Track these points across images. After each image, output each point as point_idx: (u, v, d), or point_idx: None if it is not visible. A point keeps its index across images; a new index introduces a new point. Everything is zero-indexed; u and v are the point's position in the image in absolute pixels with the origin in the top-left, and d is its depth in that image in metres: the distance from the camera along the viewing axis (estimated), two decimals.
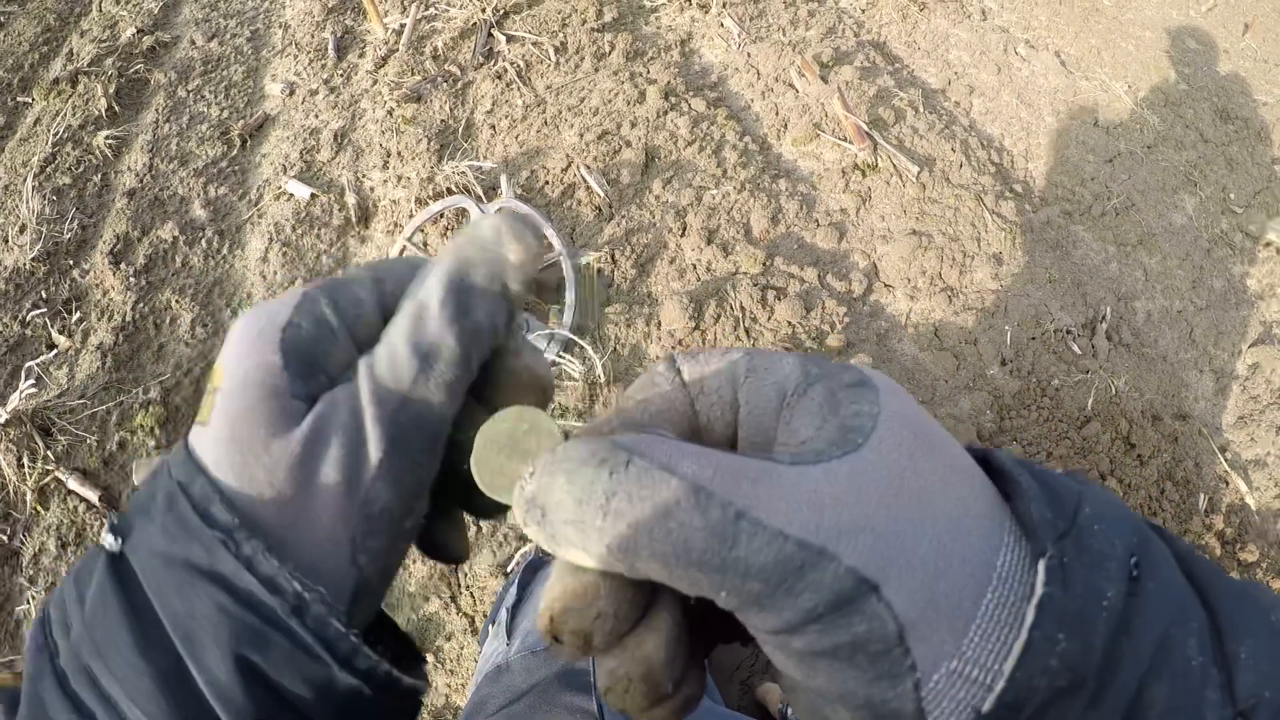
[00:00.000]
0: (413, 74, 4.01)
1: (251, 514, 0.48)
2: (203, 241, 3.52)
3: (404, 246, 2.96)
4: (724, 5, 4.29)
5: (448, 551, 0.62)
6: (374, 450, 0.48)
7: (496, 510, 0.57)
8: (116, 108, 4.13)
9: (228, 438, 0.48)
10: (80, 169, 3.84)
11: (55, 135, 3.98)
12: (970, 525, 0.40)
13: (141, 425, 2.96)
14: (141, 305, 3.29)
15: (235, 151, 3.93)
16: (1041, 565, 0.38)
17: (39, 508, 2.80)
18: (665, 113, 3.64)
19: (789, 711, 1.86)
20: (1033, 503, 0.41)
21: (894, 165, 3.47)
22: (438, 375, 0.49)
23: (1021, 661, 0.37)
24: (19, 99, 4.31)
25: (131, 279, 3.35)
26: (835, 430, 0.42)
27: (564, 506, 0.40)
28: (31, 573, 2.69)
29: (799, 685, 0.42)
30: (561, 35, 4.10)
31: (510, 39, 4.11)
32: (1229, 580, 0.43)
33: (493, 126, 3.74)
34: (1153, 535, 0.43)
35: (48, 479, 2.83)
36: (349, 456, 0.48)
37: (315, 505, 0.48)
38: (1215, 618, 0.40)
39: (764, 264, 3.12)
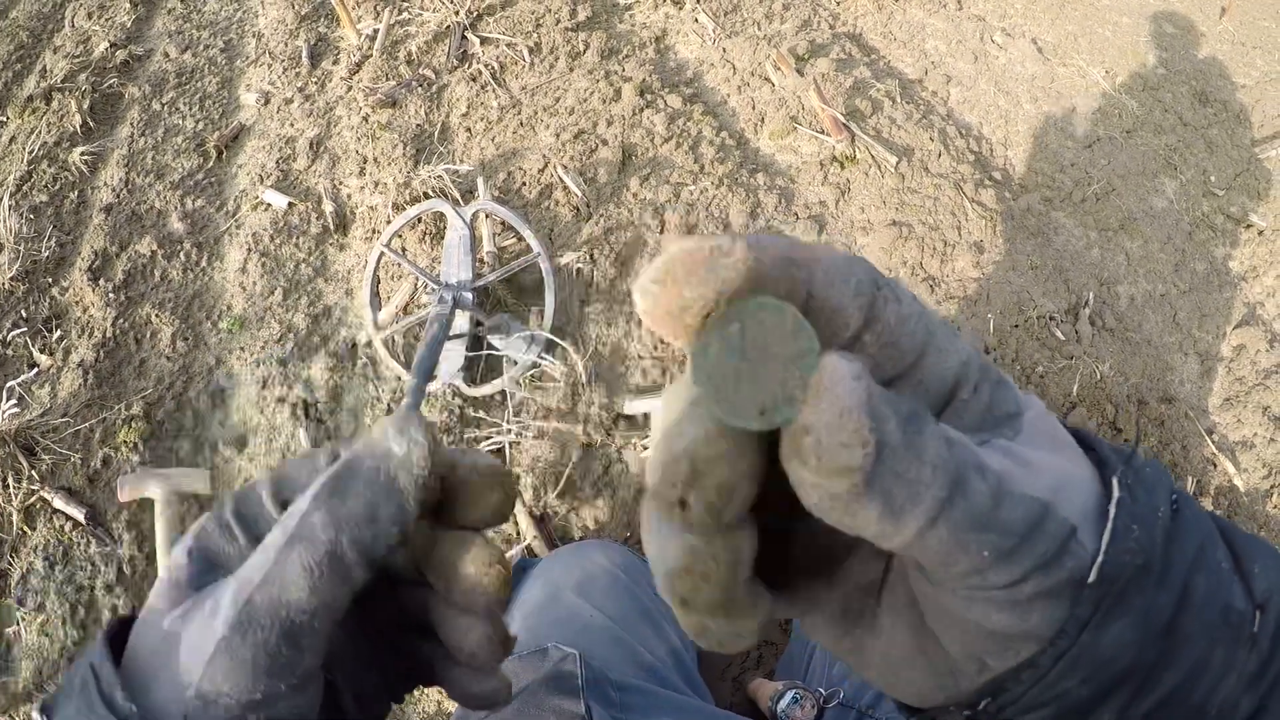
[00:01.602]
0: (387, 79, 3.99)
1: (148, 693, 0.52)
2: (181, 254, 3.51)
3: (381, 253, 2.95)
4: (698, 0, 4.28)
5: (478, 699, 0.63)
6: (220, 627, 0.50)
7: (483, 705, 0.62)
8: (91, 123, 4.11)
9: (142, 617, 0.56)
10: (57, 186, 3.82)
11: (31, 153, 3.96)
12: (1093, 486, 0.47)
13: (125, 441, 2.94)
14: (121, 321, 3.27)
15: (211, 163, 3.91)
16: (1115, 480, 0.46)
17: (25, 527, 2.78)
18: (641, 110, 3.63)
19: (779, 708, 1.85)
20: (1102, 446, 0.50)
21: (872, 156, 3.47)
22: (295, 560, 0.50)
23: (1111, 541, 0.43)
24: None
25: (111, 295, 3.33)
26: (1000, 418, 0.49)
27: (899, 456, 0.38)
28: (20, 593, 2.67)
29: (994, 632, 0.45)
30: (535, 35, 4.09)
31: (484, 41, 4.10)
32: (1235, 526, 0.52)
33: (469, 129, 3.73)
34: (1182, 489, 0.51)
35: (33, 499, 2.81)
36: (197, 640, 0.51)
37: (178, 680, 0.52)
38: (1231, 545, 0.50)
39: None
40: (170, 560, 0.57)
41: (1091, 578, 0.43)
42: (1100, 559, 0.43)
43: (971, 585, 0.43)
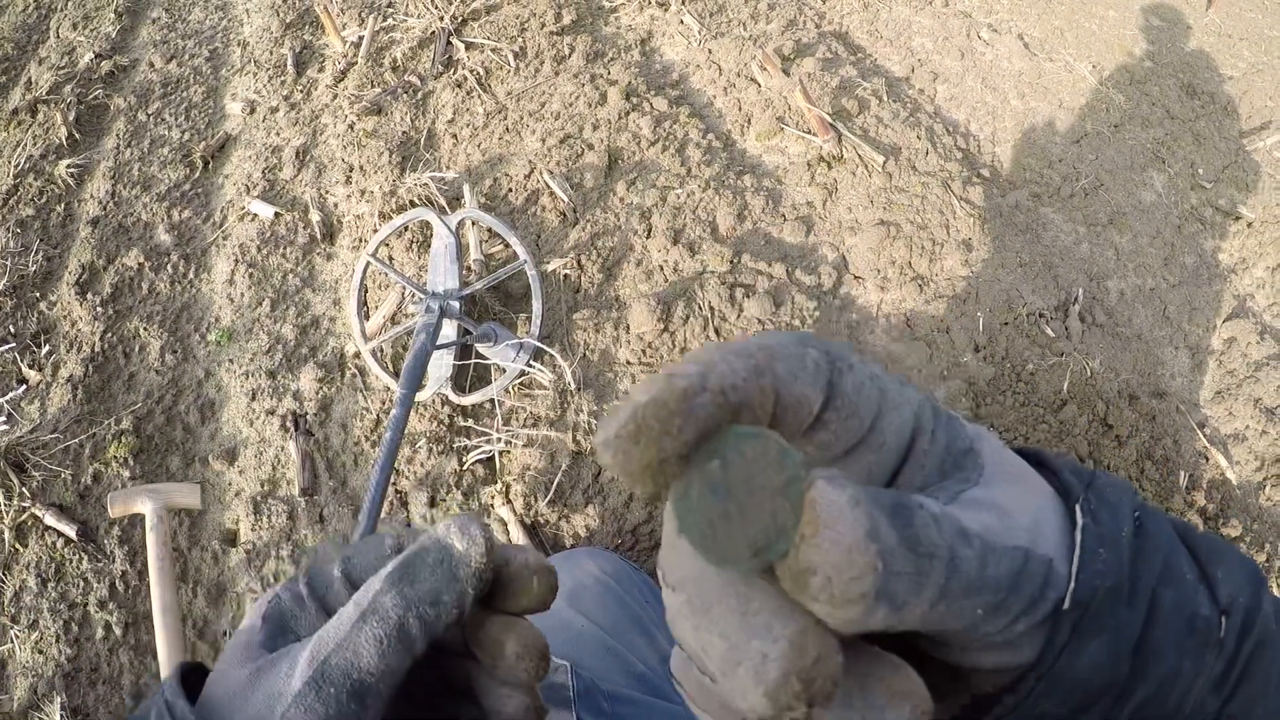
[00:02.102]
0: (372, 86, 3.99)
1: None
2: (169, 267, 3.50)
3: (368, 262, 2.94)
4: (683, 2, 4.27)
5: None
6: (296, 682, 0.57)
7: None
8: (77, 135, 4.11)
9: (217, 669, 0.63)
10: (43, 200, 3.81)
11: (16, 167, 3.95)
12: (1049, 496, 0.51)
13: (115, 457, 2.94)
14: (110, 335, 3.27)
15: (198, 174, 3.90)
16: (1078, 507, 0.49)
17: (17, 545, 2.78)
18: (627, 113, 3.62)
19: None
20: (1063, 470, 0.53)
21: (859, 156, 3.46)
22: (368, 631, 0.57)
23: (1080, 567, 0.46)
24: None
25: (99, 309, 3.32)
26: (955, 467, 0.50)
27: (871, 569, 0.38)
28: (13, 611, 2.67)
29: (989, 665, 0.48)
30: (520, 40, 4.08)
31: (469, 46, 4.09)
32: (1198, 531, 0.56)
33: (454, 135, 3.72)
34: (1142, 500, 0.54)
35: (24, 516, 2.80)
36: (273, 690, 0.58)
37: None
38: (1194, 553, 0.53)
39: (731, 262, 3.10)
40: (245, 623, 0.65)
41: (1066, 603, 0.45)
42: (1071, 585, 0.45)
43: (965, 638, 0.45)
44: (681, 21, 4.20)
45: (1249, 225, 3.56)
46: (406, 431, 2.79)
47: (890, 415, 0.47)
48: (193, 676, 0.65)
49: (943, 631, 0.43)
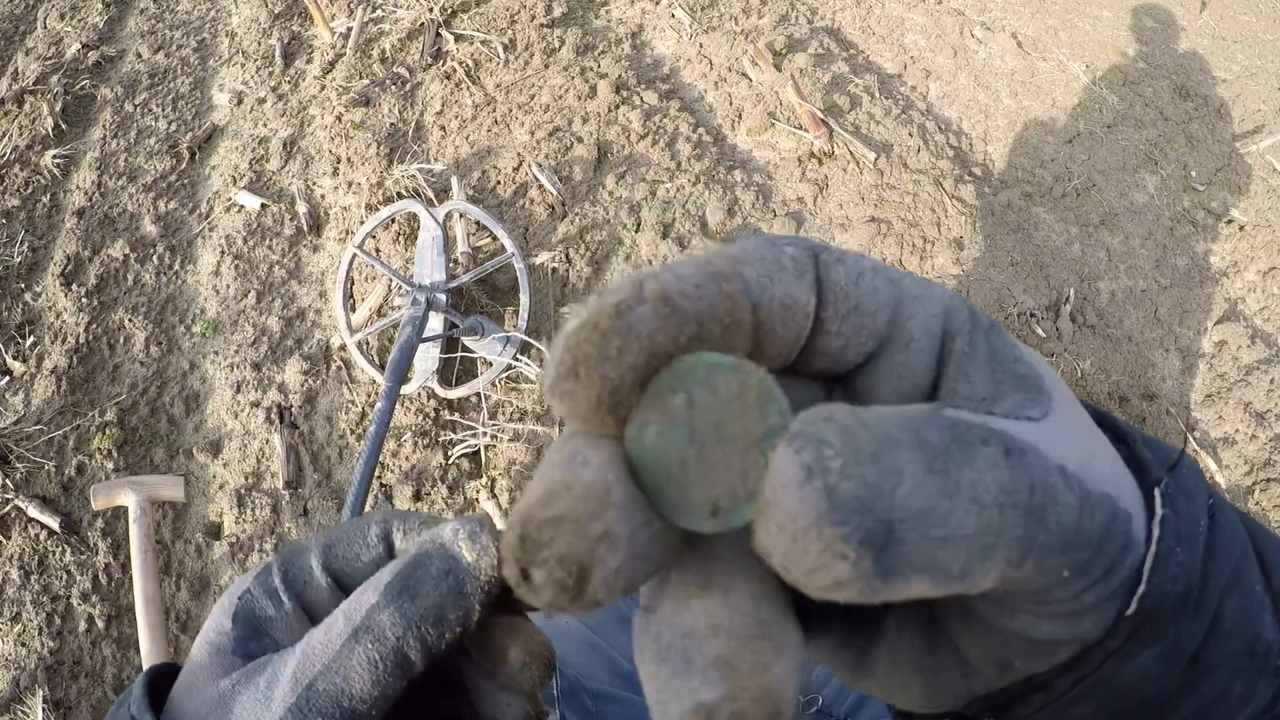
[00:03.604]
0: (361, 77, 3.97)
1: None
2: (154, 258, 3.48)
3: (354, 255, 2.92)
4: None
5: None
6: (278, 708, 0.50)
7: None
8: (63, 126, 4.08)
9: (183, 680, 0.55)
10: (29, 190, 3.79)
11: (2, 157, 3.92)
12: (1125, 471, 0.41)
13: (99, 448, 2.92)
14: (94, 326, 3.24)
15: (184, 165, 3.88)
16: (1158, 492, 0.40)
17: (0, 537, 2.76)
18: (617, 107, 3.60)
19: None
20: (1136, 441, 0.43)
21: (850, 152, 3.45)
22: (361, 653, 0.50)
23: (1154, 567, 0.38)
24: None
25: (83, 300, 3.30)
26: (1017, 383, 0.38)
27: (930, 512, 0.30)
28: None
29: (1036, 640, 0.40)
30: (510, 32, 4.06)
31: (459, 38, 4.07)
32: (1267, 530, 0.47)
33: (443, 127, 3.70)
34: (1210, 486, 0.45)
35: (8, 508, 2.78)
36: (251, 714, 0.51)
37: None
38: (1262, 558, 0.44)
39: None
40: (213, 623, 0.57)
41: (1130, 609, 0.38)
42: (1142, 589, 0.38)
43: (1031, 603, 0.38)
44: (673, 15, 4.18)
45: (1241, 228, 3.55)
46: (392, 425, 2.78)
47: (910, 308, 0.39)
48: (163, 683, 0.57)
49: (1013, 594, 0.36)
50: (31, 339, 3.24)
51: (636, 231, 3.19)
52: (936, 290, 0.40)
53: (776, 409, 0.32)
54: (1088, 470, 0.35)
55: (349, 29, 4.22)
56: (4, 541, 2.75)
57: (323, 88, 4.02)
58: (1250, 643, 0.41)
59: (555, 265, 3.11)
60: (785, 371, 0.40)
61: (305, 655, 0.51)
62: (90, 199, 3.71)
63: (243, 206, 3.60)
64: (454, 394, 2.86)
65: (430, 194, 3.35)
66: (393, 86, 3.90)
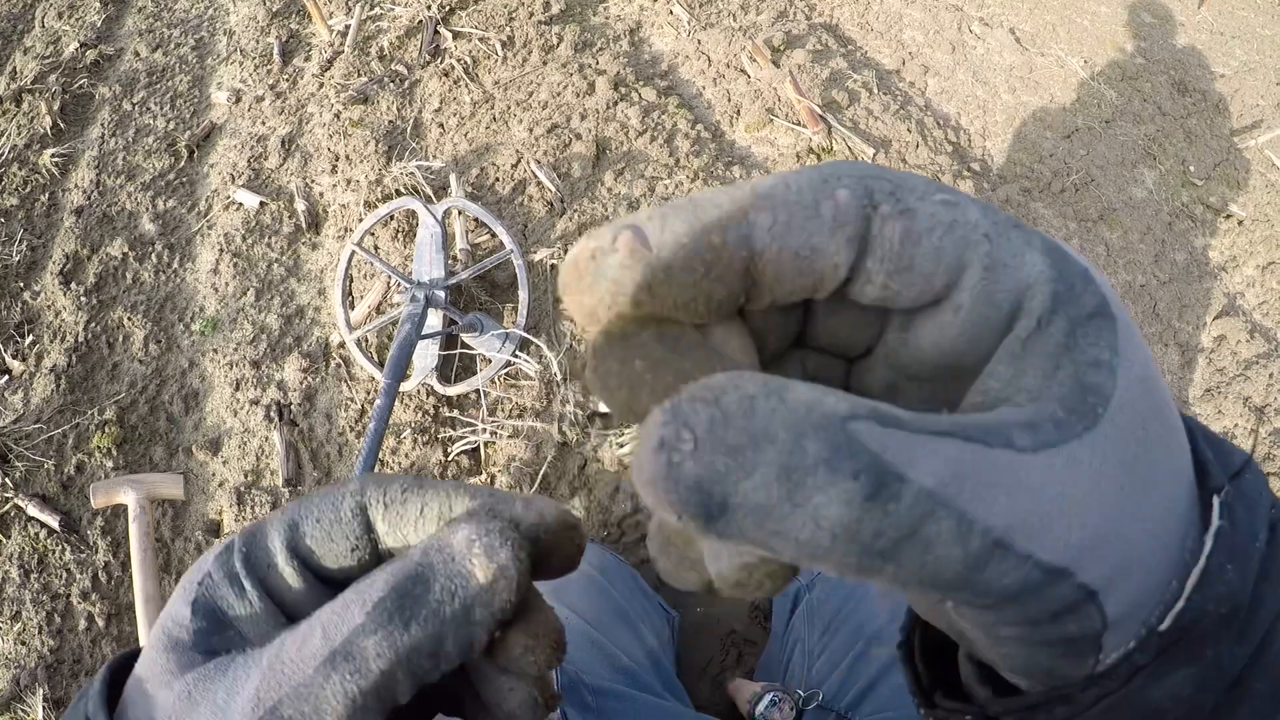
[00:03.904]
0: (359, 75, 3.96)
1: None
2: (153, 256, 3.47)
3: (353, 252, 2.92)
4: None
5: None
6: None
7: None
8: (62, 124, 4.07)
9: (137, 675, 0.49)
10: (27, 189, 3.78)
11: (1, 156, 3.92)
12: (1180, 505, 0.37)
13: (99, 447, 2.92)
14: (94, 325, 3.24)
15: (183, 163, 3.87)
16: (1217, 501, 0.38)
17: (0, 536, 2.76)
18: (615, 103, 3.60)
19: (757, 710, 1.83)
20: (1207, 446, 0.40)
21: (849, 148, 3.45)
22: (338, 683, 0.41)
23: (1199, 585, 0.36)
24: None
25: (82, 298, 3.30)
26: (1071, 388, 0.34)
27: (768, 510, 0.29)
28: None
29: (983, 644, 0.40)
30: (508, 29, 4.06)
31: (457, 35, 4.07)
32: None
33: (441, 125, 3.70)
34: (1275, 495, 0.42)
35: (7, 506, 2.78)
36: None
37: None
38: None
39: None
40: (171, 609, 0.49)
41: (1164, 625, 0.36)
42: (1181, 604, 0.36)
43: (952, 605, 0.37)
44: (671, 12, 4.18)
45: (1240, 223, 3.55)
46: (391, 422, 2.78)
47: (976, 276, 0.35)
48: (125, 677, 0.50)
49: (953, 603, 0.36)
50: (30, 338, 3.24)
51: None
52: (1027, 260, 0.35)
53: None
54: (1045, 530, 0.31)
55: (347, 27, 4.21)
56: (3, 540, 2.75)
57: (321, 85, 4.01)
58: None
59: (554, 262, 3.11)
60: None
61: (272, 671, 0.43)
62: (89, 197, 3.70)
63: (241, 204, 3.60)
64: (453, 391, 2.86)
65: (429, 191, 3.35)
66: (391, 84, 3.90)
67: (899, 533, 0.29)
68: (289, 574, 0.49)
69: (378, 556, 0.51)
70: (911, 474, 0.29)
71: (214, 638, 0.48)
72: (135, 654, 0.52)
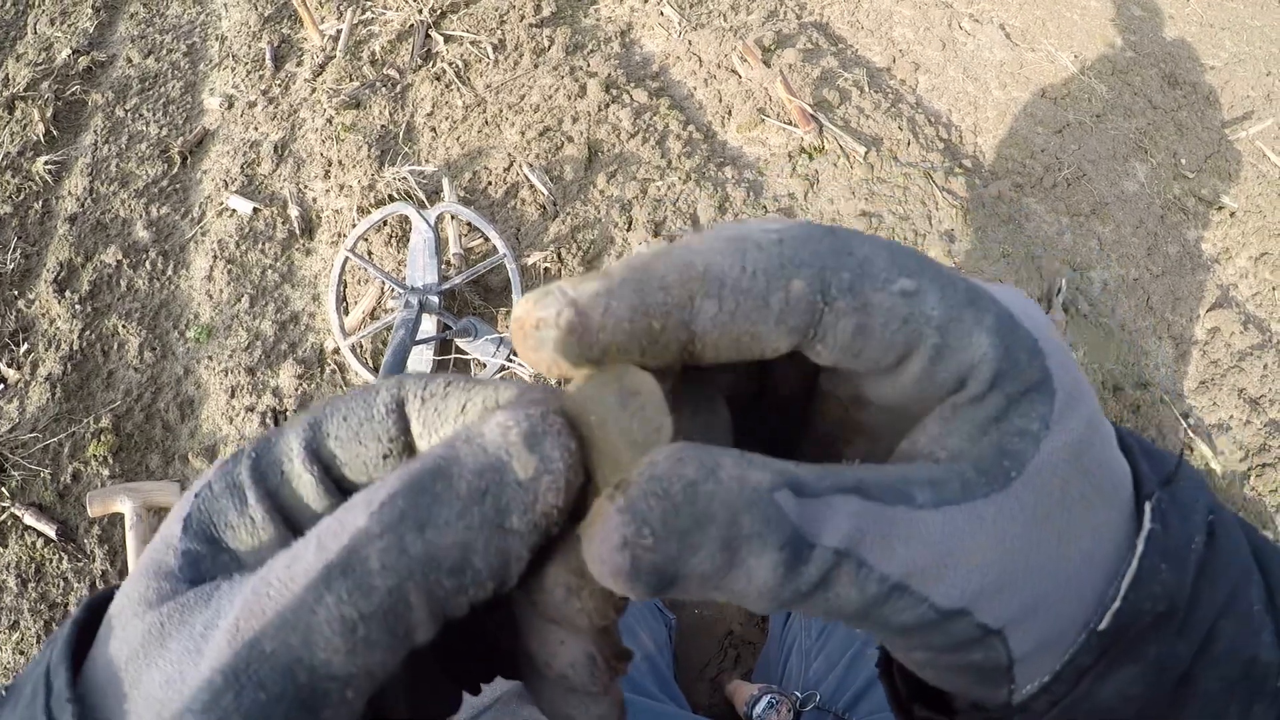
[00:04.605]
0: (351, 80, 3.96)
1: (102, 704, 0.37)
2: (147, 263, 3.48)
3: (346, 258, 2.92)
4: None
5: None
6: (205, 667, 0.34)
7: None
8: (55, 132, 4.07)
9: (111, 610, 0.40)
10: (21, 197, 3.78)
11: None
12: (1101, 553, 0.39)
13: (95, 455, 2.92)
14: (88, 333, 3.24)
15: (176, 169, 3.87)
16: (1148, 506, 0.39)
17: None
18: (607, 105, 3.60)
19: (754, 713, 1.83)
20: (1143, 457, 0.42)
21: (841, 147, 3.45)
22: (332, 605, 0.32)
23: (1133, 584, 0.38)
24: None
25: (77, 306, 3.30)
26: (990, 451, 0.36)
27: (710, 575, 0.32)
28: None
29: (907, 662, 0.43)
30: (500, 33, 4.06)
31: (448, 39, 4.07)
32: (1274, 545, 0.46)
33: (433, 129, 3.70)
34: (1217, 501, 0.44)
35: (4, 516, 2.78)
36: (175, 670, 0.35)
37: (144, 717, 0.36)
38: (1266, 572, 0.43)
39: None
40: (164, 531, 0.41)
41: (1103, 625, 0.38)
42: (1117, 604, 0.38)
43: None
44: (661, 13, 4.18)
45: (1232, 215, 3.56)
46: None
47: (921, 359, 0.36)
48: (97, 622, 0.41)
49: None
50: (25, 346, 3.24)
51: (628, 230, 3.19)
52: (974, 342, 0.36)
53: (654, 428, 0.35)
54: (940, 576, 0.35)
55: (339, 31, 4.21)
56: (1, 550, 2.75)
57: (313, 91, 4.01)
58: (1247, 665, 0.40)
59: (547, 265, 3.11)
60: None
61: (255, 596, 0.34)
62: (82, 205, 3.70)
63: (235, 211, 3.60)
64: None
65: (422, 196, 3.35)
66: (383, 88, 3.90)
67: (810, 586, 0.33)
68: (306, 483, 0.40)
69: None
70: (821, 538, 0.33)
71: (205, 563, 0.40)
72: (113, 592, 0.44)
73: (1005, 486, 0.36)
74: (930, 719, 0.47)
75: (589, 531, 0.32)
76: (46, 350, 3.21)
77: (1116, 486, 0.40)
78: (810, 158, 3.45)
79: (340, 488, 0.41)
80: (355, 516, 0.33)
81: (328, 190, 3.55)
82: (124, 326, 3.26)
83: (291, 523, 0.40)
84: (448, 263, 3.10)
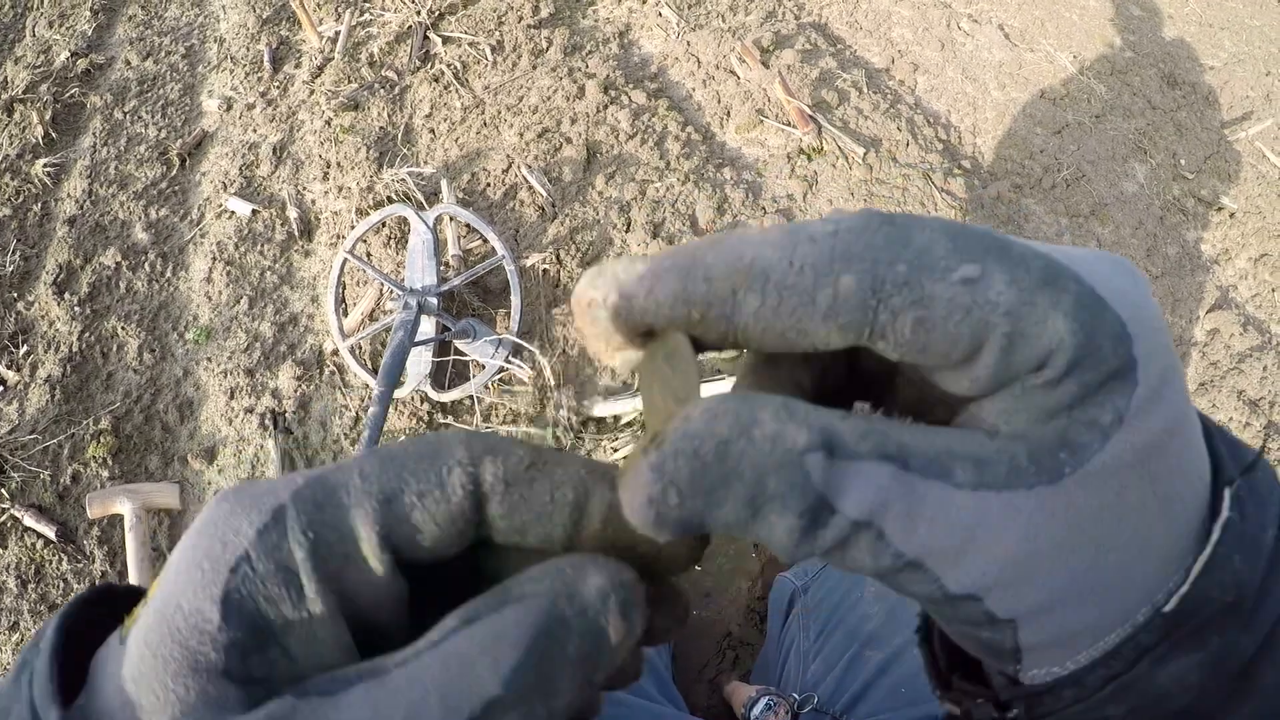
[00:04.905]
0: (349, 81, 3.96)
1: None
2: (146, 265, 3.48)
3: (345, 259, 2.92)
4: None
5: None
6: None
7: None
8: (53, 134, 4.07)
9: (132, 700, 0.35)
10: (20, 199, 3.78)
11: None
12: (1137, 572, 0.38)
13: (94, 457, 2.92)
14: (88, 335, 3.25)
15: (175, 171, 3.87)
16: (1228, 492, 0.38)
17: None
18: (605, 107, 3.60)
19: (751, 715, 1.83)
20: (1223, 443, 0.41)
21: (839, 148, 3.45)
22: None
23: (1205, 571, 0.37)
24: None
25: (76, 308, 3.30)
26: (1051, 439, 0.35)
27: (733, 526, 0.34)
28: None
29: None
30: (498, 34, 4.06)
31: (446, 40, 4.07)
32: None
33: (432, 130, 3.70)
34: None
35: (3, 517, 2.79)
36: None
37: None
38: None
39: None
40: (179, 602, 0.35)
41: (1169, 606, 0.37)
42: (1185, 588, 0.37)
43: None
44: (660, 14, 4.18)
45: (1231, 216, 3.56)
46: (386, 429, 2.78)
47: (993, 351, 0.34)
48: (82, 645, 0.39)
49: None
50: (25, 348, 3.24)
51: (627, 231, 3.19)
52: (1052, 328, 0.34)
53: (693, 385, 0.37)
54: (957, 561, 0.35)
55: (337, 33, 4.21)
56: (1, 551, 2.75)
57: (311, 92, 4.01)
58: None
59: (546, 267, 3.11)
60: None
61: None
62: (81, 207, 3.71)
63: (234, 212, 3.60)
64: (447, 397, 2.86)
65: (420, 197, 3.35)
66: (381, 90, 3.90)
67: (826, 548, 0.35)
68: (374, 568, 0.37)
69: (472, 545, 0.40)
70: (845, 506, 0.33)
71: (253, 660, 0.35)
72: (92, 600, 0.42)
73: (1054, 482, 0.34)
74: (970, 691, 0.46)
75: (623, 480, 0.34)
76: (46, 352, 3.21)
77: (1185, 494, 0.38)
78: (809, 159, 3.45)
79: (399, 563, 0.38)
80: (483, 679, 0.34)
81: (326, 192, 3.55)
82: (123, 328, 3.26)
83: (347, 602, 0.37)
84: (446, 264, 3.10)
